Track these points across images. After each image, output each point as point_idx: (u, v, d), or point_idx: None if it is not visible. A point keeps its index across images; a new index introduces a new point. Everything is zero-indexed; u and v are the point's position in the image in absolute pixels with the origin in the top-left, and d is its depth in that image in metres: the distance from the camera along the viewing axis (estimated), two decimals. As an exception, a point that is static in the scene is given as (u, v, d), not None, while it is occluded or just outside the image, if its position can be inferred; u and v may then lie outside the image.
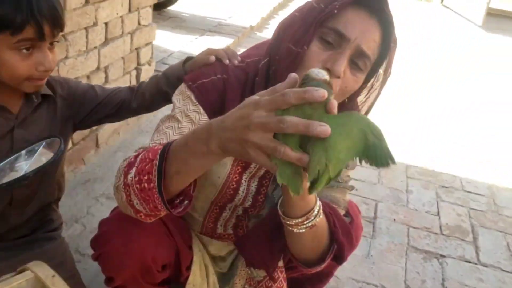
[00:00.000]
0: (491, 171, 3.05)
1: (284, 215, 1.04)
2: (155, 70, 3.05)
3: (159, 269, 1.26)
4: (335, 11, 1.08)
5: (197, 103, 1.17)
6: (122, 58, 2.54)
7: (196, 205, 1.41)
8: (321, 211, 1.04)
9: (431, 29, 6.77)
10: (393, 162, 0.76)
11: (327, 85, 0.80)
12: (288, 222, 1.04)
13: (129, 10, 2.50)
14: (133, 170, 0.97)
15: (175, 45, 4.18)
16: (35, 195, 1.41)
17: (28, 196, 1.39)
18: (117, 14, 2.38)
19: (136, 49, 2.67)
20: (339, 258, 1.21)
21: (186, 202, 1.01)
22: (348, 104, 1.22)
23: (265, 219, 1.26)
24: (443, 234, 2.35)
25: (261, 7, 5.87)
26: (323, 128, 0.74)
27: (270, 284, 1.35)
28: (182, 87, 1.20)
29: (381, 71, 1.20)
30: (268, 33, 5.23)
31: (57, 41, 1.27)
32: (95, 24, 2.21)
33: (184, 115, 1.16)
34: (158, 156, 0.94)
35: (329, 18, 1.09)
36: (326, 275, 1.48)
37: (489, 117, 3.96)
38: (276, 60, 1.16)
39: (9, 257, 1.36)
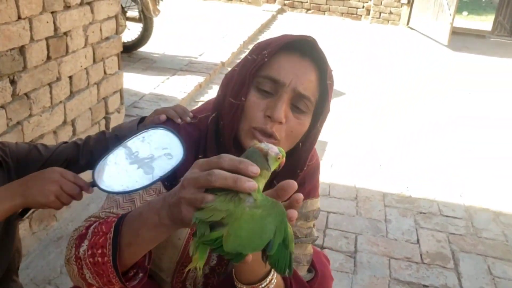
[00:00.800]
0: (467, 191, 3.08)
1: (238, 279, 1.02)
2: (126, 115, 3.03)
3: None
4: (265, 59, 1.09)
5: None
6: (90, 109, 2.52)
7: (162, 266, 1.37)
8: (274, 277, 1.01)
9: (399, 50, 6.92)
10: (290, 272, 0.76)
11: (277, 160, 0.81)
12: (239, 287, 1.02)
13: (94, 61, 2.49)
14: (85, 243, 0.94)
15: (146, 87, 4.17)
16: None
17: None
18: (81, 66, 2.37)
19: (103, 98, 2.65)
20: None
21: (141, 274, 0.99)
22: (303, 147, 1.21)
23: (227, 277, 1.23)
24: (424, 263, 2.33)
25: (230, 43, 5.94)
26: (251, 184, 0.74)
27: None
28: None
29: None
30: (239, 68, 5.28)
31: None
32: (58, 79, 2.20)
33: None
34: (112, 230, 0.92)
35: (262, 67, 1.09)
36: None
37: (461, 132, 4.03)
38: (222, 115, 1.16)
39: None
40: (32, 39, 1.97)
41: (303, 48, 1.10)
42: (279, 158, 0.83)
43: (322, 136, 3.90)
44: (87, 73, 2.44)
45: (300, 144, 1.20)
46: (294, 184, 0.83)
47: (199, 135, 1.20)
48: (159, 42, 5.48)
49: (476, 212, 2.84)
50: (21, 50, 1.92)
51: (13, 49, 1.87)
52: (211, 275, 1.34)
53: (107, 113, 2.72)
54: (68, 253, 0.98)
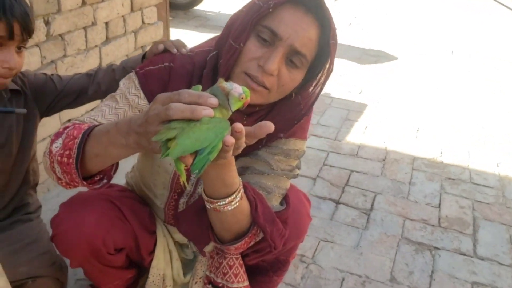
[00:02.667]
0: (506, 161, 2.94)
1: (206, 195, 1.10)
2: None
3: (111, 252, 1.33)
4: (270, 10, 1.12)
5: (139, 88, 1.24)
6: (126, 56, 2.65)
7: (156, 192, 1.48)
8: (239, 196, 1.08)
9: (464, 18, 6.53)
10: (198, 174, 0.84)
11: (240, 100, 0.87)
12: (210, 206, 1.10)
13: (131, 10, 2.61)
14: (59, 142, 1.06)
15: (195, 43, 4.27)
16: (10, 182, 1.52)
17: (4, 184, 1.51)
18: (118, 13, 2.49)
19: (141, 47, 2.77)
20: (267, 244, 1.24)
21: (105, 180, 1.11)
22: (296, 98, 1.25)
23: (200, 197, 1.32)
24: (441, 226, 2.29)
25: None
26: (207, 111, 0.82)
27: (226, 271, 1.40)
28: (131, 73, 1.28)
29: (326, 64, 1.23)
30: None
31: (25, 47, 1.38)
32: (94, 23, 2.33)
33: (123, 97, 1.24)
34: (80, 136, 1.03)
35: (265, 16, 1.14)
36: (284, 262, 1.50)
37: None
38: (221, 54, 1.21)
39: None
40: (67, -17, 2.10)
41: (309, 4, 1.13)
42: (242, 98, 0.88)
43: (363, 98, 3.86)
44: (124, 20, 2.57)
45: (299, 96, 1.24)
46: (270, 125, 0.90)
47: (192, 68, 1.27)
48: (216, 0, 5.55)
49: (511, 183, 2.72)
50: (56, -8, 2.06)
51: (47, -9, 2.01)
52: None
53: (144, 61, 2.84)
54: (46, 146, 1.10)
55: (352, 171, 2.71)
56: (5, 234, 1.50)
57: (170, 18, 5.06)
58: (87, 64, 2.34)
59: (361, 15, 6.12)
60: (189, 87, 1.22)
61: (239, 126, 0.85)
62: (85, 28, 2.28)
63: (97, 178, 1.10)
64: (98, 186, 1.10)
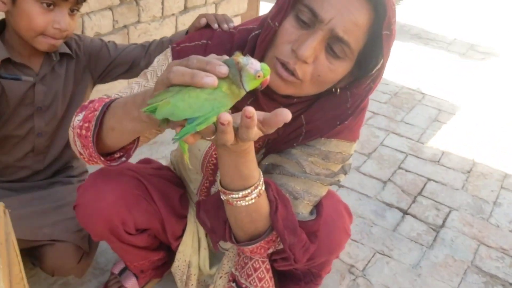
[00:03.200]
0: None
1: (222, 185, 0.99)
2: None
3: (131, 232, 1.27)
4: None
5: None
6: (205, 27, 2.57)
7: (191, 176, 1.40)
8: (255, 193, 0.97)
9: None
10: (175, 141, 0.74)
11: (256, 78, 0.75)
12: (223, 196, 1.00)
13: (215, -21, 2.52)
14: (82, 114, 1.00)
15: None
16: (53, 144, 1.51)
17: (47, 146, 1.51)
18: (199, -18, 2.41)
19: (222, 19, 2.68)
20: (286, 256, 1.12)
21: (123, 158, 1.03)
22: (344, 94, 1.07)
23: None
24: (523, 260, 1.98)
25: (394, -14, 5.47)
26: (209, 79, 0.71)
27: (250, 272, 1.28)
28: (168, 49, 1.18)
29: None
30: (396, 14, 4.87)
31: (78, 10, 1.35)
32: (172, -9, 2.27)
33: (154, 74, 1.15)
34: (100, 108, 0.96)
35: None
36: (316, 275, 1.35)
37: None
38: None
39: (23, 193, 1.49)
40: None
41: None
42: (259, 77, 0.75)
43: (458, 98, 3.48)
44: (206, -10, 2.49)
45: (348, 92, 1.07)
46: (287, 114, 0.77)
47: (231, 46, 1.14)
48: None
49: None
50: (134, -44, 2.02)
51: (125, -47, 1.97)
52: None
53: (224, 35, 2.75)
54: (72, 119, 1.05)
55: (429, 179, 2.43)
56: (41, 193, 1.50)
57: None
58: (161, 32, 2.30)
59: (475, 2, 5.54)
60: None
61: (250, 110, 0.73)
62: (162, -5, 2.23)
63: (117, 155, 1.03)
64: (116, 164, 1.03)
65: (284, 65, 0.97)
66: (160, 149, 2.34)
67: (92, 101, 1.03)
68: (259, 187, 0.97)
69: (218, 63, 0.73)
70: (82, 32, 1.93)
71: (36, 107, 1.43)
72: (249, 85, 0.75)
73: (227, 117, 0.72)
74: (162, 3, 2.23)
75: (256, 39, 1.08)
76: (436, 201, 2.27)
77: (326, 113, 1.09)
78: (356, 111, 1.09)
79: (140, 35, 2.17)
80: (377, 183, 2.35)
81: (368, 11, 0.94)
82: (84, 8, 1.88)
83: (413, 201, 2.26)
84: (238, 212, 1.01)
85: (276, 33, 0.99)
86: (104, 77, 1.55)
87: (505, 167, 2.59)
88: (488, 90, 3.51)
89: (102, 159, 1.00)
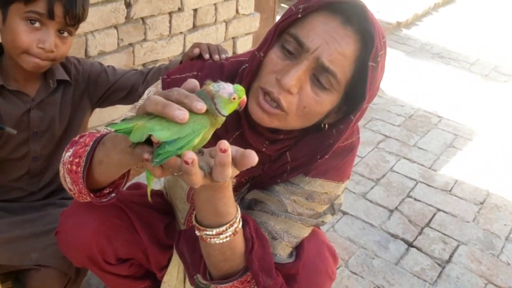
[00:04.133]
0: None
1: (196, 221, 0.95)
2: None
3: (111, 261, 1.25)
4: (299, 15, 0.92)
5: None
6: (214, 45, 2.55)
7: (179, 205, 1.37)
8: (230, 231, 0.92)
9: None
10: (155, 164, 0.71)
11: (231, 102, 0.74)
12: (197, 232, 0.95)
13: (225, -2, 2.49)
14: (72, 150, 0.99)
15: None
16: (48, 167, 1.50)
17: (42, 168, 1.50)
18: (209, 1, 2.39)
19: (232, 38, 2.66)
20: None
21: (113, 195, 1.02)
22: (329, 131, 1.03)
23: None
24: (533, 303, 1.87)
25: (418, 2, 5.36)
26: (180, 112, 0.69)
27: None
28: (159, 80, 1.16)
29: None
30: (417, 32, 4.78)
31: (70, 33, 1.32)
32: (180, 9, 2.26)
33: None
34: (91, 143, 0.95)
35: (294, 23, 0.94)
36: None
37: None
38: None
39: (15, 215, 1.48)
40: (154, -34, 2.04)
41: (349, 13, 0.91)
42: (234, 99, 0.74)
43: (476, 123, 3.34)
44: (216, 9, 2.46)
45: (325, 125, 1.03)
46: (254, 158, 0.75)
47: (220, 78, 1.11)
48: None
49: None
50: (140, -25, 2.01)
51: (131, -27, 1.97)
52: None
53: (234, 54, 2.73)
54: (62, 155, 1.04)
55: (438, 210, 2.34)
56: (34, 215, 1.49)
57: (286, 6, 4.91)
58: (169, 50, 2.29)
59: (500, 21, 5.38)
60: None
61: (224, 144, 0.71)
62: (170, 14, 2.22)
63: (106, 191, 1.02)
64: (105, 200, 1.01)
65: (267, 96, 0.94)
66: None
67: (82, 136, 1.01)
68: (235, 225, 0.93)
69: (196, 98, 0.71)
70: (86, 50, 1.92)
71: (31, 131, 1.42)
72: (226, 110, 0.74)
73: (190, 154, 0.69)
74: (170, 22, 2.22)
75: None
76: (444, 234, 2.18)
77: (311, 150, 1.05)
78: (334, 146, 1.03)
79: (146, 53, 2.16)
80: (383, 212, 2.27)
81: (355, 42, 0.91)
82: (88, 27, 1.89)
83: (420, 233, 2.17)
84: (212, 249, 0.97)
85: (262, 63, 0.96)
86: (103, 102, 1.54)
87: (520, 199, 2.48)
88: (509, 115, 3.39)
89: (92, 195, 0.98)
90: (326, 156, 1.05)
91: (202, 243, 0.98)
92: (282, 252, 1.09)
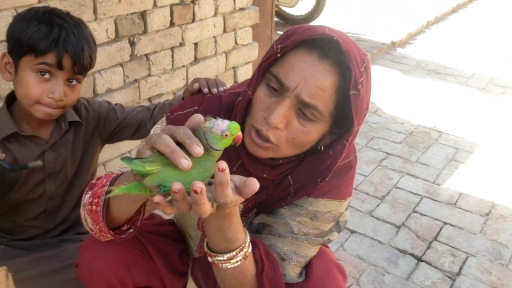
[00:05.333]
0: None
1: (208, 248, 1.00)
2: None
3: None
4: (278, 55, 1.00)
5: None
6: (216, 76, 2.63)
7: (191, 233, 1.41)
8: (240, 255, 0.97)
9: None
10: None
11: (224, 137, 0.80)
12: (209, 259, 1.00)
13: (224, 31, 2.58)
14: (91, 192, 1.04)
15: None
16: (63, 205, 1.56)
17: (57, 207, 1.55)
18: (208, 34, 2.48)
19: (233, 68, 2.74)
20: None
21: (131, 230, 1.06)
22: (326, 152, 1.09)
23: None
24: (545, 310, 1.89)
25: (411, 21, 5.49)
26: (185, 162, 0.75)
27: None
28: (163, 117, 1.22)
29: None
30: (412, 50, 4.88)
31: (78, 81, 1.39)
32: (182, 44, 2.34)
33: None
34: (108, 183, 1.00)
35: (275, 62, 1.02)
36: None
37: None
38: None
39: (33, 252, 1.53)
40: (155, 5, 2.13)
41: (325, 48, 0.97)
42: (226, 136, 0.79)
43: (477, 136, 3.39)
44: (215, 41, 2.55)
45: (321, 147, 1.09)
46: (255, 185, 0.81)
47: (219, 110, 1.19)
48: (328, 17, 5.38)
49: None
50: (142, 15, 2.10)
51: (133, 13, 2.05)
52: None
53: (235, 82, 2.81)
54: (82, 198, 1.09)
55: (445, 223, 2.37)
56: (51, 252, 1.54)
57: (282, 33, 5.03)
58: (172, 83, 2.37)
59: (492, 36, 5.48)
60: None
61: (222, 164, 0.76)
62: (172, 49, 2.31)
63: (124, 228, 1.07)
64: (124, 236, 1.06)
65: (257, 132, 1.01)
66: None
67: (99, 178, 1.06)
68: (245, 250, 0.98)
69: (196, 141, 0.77)
70: (94, 88, 2.00)
71: (47, 172, 1.48)
72: (219, 145, 0.80)
73: (199, 184, 0.74)
74: (172, 56, 2.31)
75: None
76: (452, 247, 2.21)
77: (311, 171, 1.11)
78: (332, 168, 1.08)
79: (151, 88, 2.24)
80: (391, 228, 2.31)
81: (333, 74, 0.96)
82: (95, 66, 1.97)
83: (428, 247, 2.20)
84: (225, 274, 1.01)
85: (252, 100, 1.03)
86: (112, 138, 1.60)
87: (525, 208, 2.51)
88: (509, 126, 3.44)
89: (112, 233, 1.03)
90: (327, 179, 1.10)
91: (215, 268, 1.02)
92: (292, 272, 1.14)
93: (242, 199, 0.83)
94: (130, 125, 1.58)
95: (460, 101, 3.82)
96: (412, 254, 2.15)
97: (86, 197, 1.04)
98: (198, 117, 0.83)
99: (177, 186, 0.75)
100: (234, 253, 0.96)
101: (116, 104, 1.60)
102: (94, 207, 1.01)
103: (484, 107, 3.74)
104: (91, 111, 1.54)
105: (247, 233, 0.99)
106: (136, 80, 2.18)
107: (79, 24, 1.37)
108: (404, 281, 2.00)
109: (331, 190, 1.15)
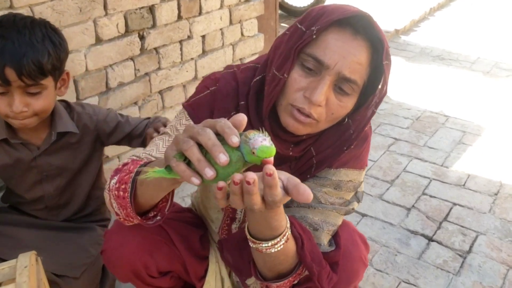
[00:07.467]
0: None
1: (251, 236, 1.01)
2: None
3: (153, 275, 1.33)
4: (314, 36, 1.04)
5: (189, 118, 1.23)
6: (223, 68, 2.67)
7: (212, 215, 1.45)
8: (284, 240, 0.99)
9: None
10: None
11: (251, 154, 0.78)
12: (253, 245, 1.01)
13: (230, 23, 2.63)
14: (117, 177, 1.07)
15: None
16: (69, 204, 1.62)
17: (62, 204, 1.61)
18: (215, 27, 2.52)
19: (240, 59, 2.78)
20: (314, 285, 1.14)
21: (158, 217, 1.08)
22: (347, 122, 1.17)
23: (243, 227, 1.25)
24: (555, 284, 1.93)
25: (413, 8, 5.50)
26: (223, 156, 0.75)
27: None
28: (180, 107, 1.26)
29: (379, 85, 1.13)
30: (415, 37, 4.89)
31: (42, 86, 1.31)
32: (190, 37, 2.39)
33: (175, 129, 1.23)
34: (135, 170, 1.02)
35: (309, 43, 1.05)
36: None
37: None
38: (266, 82, 1.15)
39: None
40: (163, -1, 2.18)
41: (357, 25, 1.03)
42: (253, 153, 0.78)
43: (483, 119, 3.42)
44: (222, 33, 2.59)
45: (349, 120, 1.14)
46: (308, 195, 0.80)
47: (236, 84, 1.21)
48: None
49: None
50: (151, 9, 2.15)
51: (142, 8, 2.10)
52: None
53: (243, 73, 2.85)
54: (107, 182, 1.11)
55: (454, 204, 2.41)
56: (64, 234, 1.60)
57: (287, 26, 5.05)
58: (182, 76, 2.41)
59: (496, 20, 5.48)
60: (236, 103, 1.19)
61: (269, 168, 0.76)
62: (180, 42, 2.35)
63: (151, 214, 1.08)
64: (152, 223, 1.08)
65: (300, 110, 1.06)
66: (186, 187, 2.42)
67: (126, 164, 1.09)
68: (287, 234, 1.00)
69: (235, 132, 0.77)
70: (106, 83, 2.05)
71: (43, 174, 1.52)
72: (248, 158, 0.79)
73: (252, 175, 0.75)
74: (181, 49, 2.35)
75: (259, 85, 1.17)
76: (462, 226, 2.25)
77: (333, 142, 1.17)
78: (359, 136, 1.15)
79: (161, 81, 2.29)
80: (401, 211, 2.35)
81: (367, 49, 1.04)
82: (107, 61, 2.02)
83: (438, 227, 2.24)
84: (268, 257, 1.04)
85: (285, 82, 1.07)
86: (117, 143, 1.64)
87: (534, 187, 2.55)
88: (514, 108, 3.47)
89: (139, 218, 1.05)
90: (352, 147, 1.17)
91: (256, 253, 1.04)
92: (325, 240, 1.19)
93: (289, 198, 0.83)
94: (136, 135, 1.61)
95: (466, 85, 3.84)
96: (423, 235, 2.19)
97: (112, 182, 1.06)
98: (242, 117, 0.81)
99: (251, 175, 0.75)
100: (278, 239, 0.98)
101: (122, 116, 1.62)
102: (121, 192, 1.02)
103: (489, 90, 3.77)
104: (96, 121, 1.55)
105: (287, 218, 1.00)
106: (147, 74, 2.23)
107: (24, 28, 1.27)
108: (416, 260, 2.04)
109: (350, 160, 1.21)
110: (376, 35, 1.03)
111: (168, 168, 0.83)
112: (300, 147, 1.18)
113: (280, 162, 1.10)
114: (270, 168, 0.76)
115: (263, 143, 0.76)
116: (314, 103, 1.03)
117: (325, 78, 1.03)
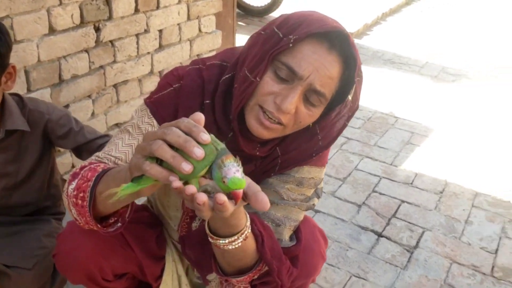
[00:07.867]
0: None
1: (211, 232, 1.01)
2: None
3: (108, 278, 1.31)
4: (290, 45, 1.04)
5: (152, 116, 1.19)
6: (180, 63, 2.66)
7: (170, 213, 1.43)
8: (242, 238, 0.99)
9: None
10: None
11: (222, 182, 0.77)
12: (211, 240, 1.01)
13: (188, 18, 2.61)
14: (74, 183, 1.02)
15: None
16: (20, 205, 1.58)
17: (9, 205, 1.55)
18: (173, 22, 2.51)
19: (197, 55, 2.77)
20: (273, 280, 1.15)
21: (119, 224, 1.05)
22: (313, 127, 1.19)
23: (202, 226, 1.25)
24: (493, 276, 2.04)
25: (366, 12, 5.66)
26: (199, 150, 0.75)
27: None
28: (142, 103, 1.23)
29: (349, 97, 1.16)
30: (368, 41, 5.04)
31: None
32: (146, 31, 2.36)
33: (136, 127, 1.19)
34: (93, 179, 0.99)
35: (284, 50, 1.05)
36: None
37: None
38: (235, 79, 1.14)
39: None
40: (120, -9, 2.14)
41: (334, 40, 1.05)
42: (224, 182, 0.77)
43: (430, 121, 3.55)
44: (180, 28, 2.58)
45: (316, 126, 1.18)
46: (266, 203, 0.80)
47: (202, 81, 1.19)
48: (286, 8, 5.47)
49: None
50: (107, 0, 2.11)
51: (98, -1, 2.06)
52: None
53: (199, 69, 2.84)
54: (65, 186, 1.07)
55: (403, 201, 2.51)
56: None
57: (243, 24, 5.08)
58: (137, 70, 2.38)
59: (444, 28, 5.74)
60: (201, 101, 1.17)
61: (220, 198, 0.76)
62: (137, 35, 2.32)
63: (112, 220, 1.06)
64: (112, 230, 1.05)
65: (267, 114, 1.07)
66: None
67: (83, 168, 1.05)
68: (246, 232, 1.00)
69: (202, 130, 0.77)
70: (60, 74, 1.99)
71: None
72: (218, 183, 0.78)
73: (202, 197, 0.75)
74: (137, 43, 2.32)
75: (228, 84, 1.15)
76: (409, 223, 2.35)
77: (299, 144, 1.19)
78: (329, 145, 1.20)
79: (116, 75, 2.25)
80: (352, 207, 2.42)
81: (339, 64, 1.06)
82: (60, 52, 1.96)
83: (388, 224, 2.33)
84: (227, 253, 1.05)
85: (256, 85, 1.07)
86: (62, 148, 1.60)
87: (475, 186, 2.68)
88: (460, 111, 3.64)
89: (99, 226, 1.02)
90: (320, 154, 1.20)
91: (216, 248, 1.05)
92: (286, 236, 1.21)
93: (245, 203, 0.83)
94: (85, 151, 1.58)
95: (415, 88, 4.00)
96: (372, 230, 2.27)
97: (70, 188, 1.02)
98: (199, 116, 0.81)
99: (201, 198, 0.75)
100: (235, 237, 0.98)
101: (78, 124, 1.57)
102: (79, 201, 0.99)
103: (436, 94, 3.94)
104: (46, 120, 1.50)
105: (247, 216, 1.00)
106: (101, 67, 2.19)
107: None
108: (366, 255, 2.11)
109: (314, 158, 1.23)
110: (350, 51, 1.05)
111: (136, 179, 0.81)
112: (266, 147, 1.19)
113: (246, 161, 1.10)
114: (221, 198, 0.76)
115: (235, 174, 0.76)
116: (284, 111, 1.04)
117: (297, 88, 1.04)
